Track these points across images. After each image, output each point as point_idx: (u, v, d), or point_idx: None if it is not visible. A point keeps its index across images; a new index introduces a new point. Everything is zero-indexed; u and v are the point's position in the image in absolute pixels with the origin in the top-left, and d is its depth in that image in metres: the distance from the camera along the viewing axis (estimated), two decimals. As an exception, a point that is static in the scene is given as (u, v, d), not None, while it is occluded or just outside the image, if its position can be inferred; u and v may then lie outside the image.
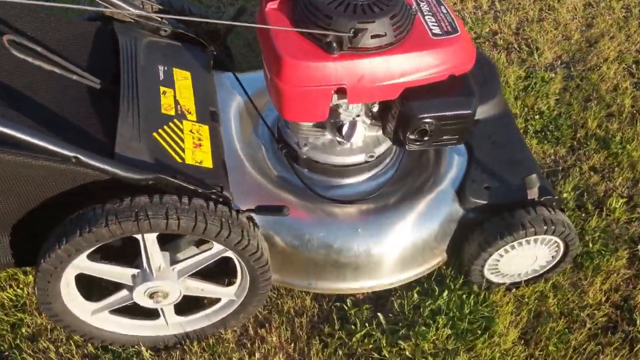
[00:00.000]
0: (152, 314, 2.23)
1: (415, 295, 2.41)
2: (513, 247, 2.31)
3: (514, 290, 2.47)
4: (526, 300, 2.46)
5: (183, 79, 2.31)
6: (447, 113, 2.08)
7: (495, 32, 3.57)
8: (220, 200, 1.96)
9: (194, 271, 2.07)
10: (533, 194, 2.29)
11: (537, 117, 3.13)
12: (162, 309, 2.18)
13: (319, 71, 1.95)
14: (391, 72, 2.01)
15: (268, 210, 2.04)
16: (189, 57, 2.42)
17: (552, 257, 2.42)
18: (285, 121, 2.39)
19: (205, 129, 2.20)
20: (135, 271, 2.03)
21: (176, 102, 2.20)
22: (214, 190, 1.96)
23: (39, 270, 1.88)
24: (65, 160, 1.74)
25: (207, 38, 2.51)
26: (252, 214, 2.05)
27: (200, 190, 1.93)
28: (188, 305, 2.32)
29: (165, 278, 2.02)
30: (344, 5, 1.97)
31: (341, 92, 2.02)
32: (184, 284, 2.10)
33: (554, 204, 2.33)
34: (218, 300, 2.25)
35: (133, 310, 2.27)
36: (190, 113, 2.21)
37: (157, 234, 1.91)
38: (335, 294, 2.41)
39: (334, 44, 1.95)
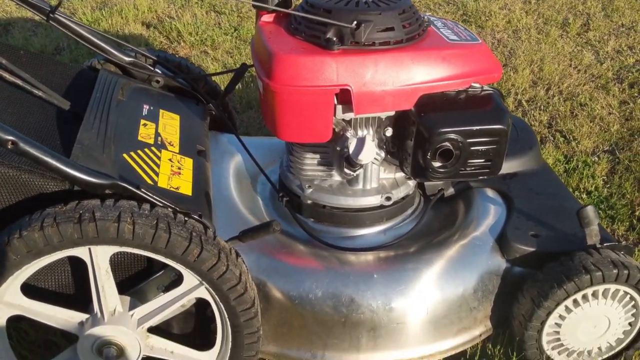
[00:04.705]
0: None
1: (455, 378, 1.84)
2: (577, 304, 1.78)
3: (585, 376, 1.88)
4: (604, 387, 1.85)
5: (170, 118, 2.04)
6: (474, 127, 1.74)
7: (525, 126, 3.29)
8: (195, 220, 1.57)
9: (159, 318, 1.60)
10: (593, 235, 1.82)
11: (584, 196, 2.72)
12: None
13: (316, 68, 1.67)
14: (403, 74, 1.71)
15: (254, 231, 1.62)
16: (181, 105, 2.18)
17: (630, 324, 1.86)
18: (286, 165, 2.05)
19: (188, 161, 1.87)
20: (84, 317, 1.57)
21: (157, 134, 1.90)
22: (188, 212, 1.57)
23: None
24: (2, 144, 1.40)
25: (205, 94, 2.29)
26: (238, 251, 1.63)
27: (169, 206, 1.55)
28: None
29: (121, 324, 1.54)
30: (345, 1, 1.74)
31: (346, 99, 1.71)
32: (147, 341, 1.62)
33: (623, 251, 1.84)
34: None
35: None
36: (172, 145, 1.90)
37: (109, 256, 1.49)
38: (349, 374, 1.85)
39: (334, 39, 1.68)
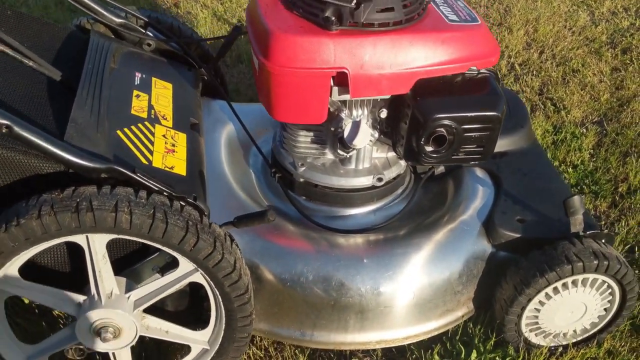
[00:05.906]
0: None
1: (437, 357, 1.92)
2: (556, 291, 1.85)
3: (559, 355, 1.97)
4: (576, 367, 1.95)
5: (162, 87, 2.01)
6: (469, 114, 1.74)
7: (517, 92, 3.29)
8: (190, 205, 1.58)
9: (154, 300, 1.63)
10: (577, 224, 1.87)
11: (570, 170, 2.76)
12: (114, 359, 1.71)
13: (314, 49, 1.64)
14: (400, 57, 1.69)
15: (249, 219, 1.64)
16: (173, 71, 2.13)
17: (605, 309, 1.94)
18: (279, 140, 2.05)
19: (181, 137, 1.85)
20: (82, 298, 1.59)
21: (150, 107, 1.88)
22: (183, 197, 1.58)
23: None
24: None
25: (197, 59, 2.24)
26: (232, 234, 1.65)
27: (165, 190, 1.55)
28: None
29: (117, 307, 1.57)
30: (345, -21, 1.69)
31: (342, 81, 1.69)
32: (143, 322, 1.65)
33: (604, 239, 1.90)
34: (187, 353, 1.78)
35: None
36: (165, 119, 1.88)
37: (106, 242, 1.50)
38: (337, 351, 1.92)
39: (333, 18, 1.65)
